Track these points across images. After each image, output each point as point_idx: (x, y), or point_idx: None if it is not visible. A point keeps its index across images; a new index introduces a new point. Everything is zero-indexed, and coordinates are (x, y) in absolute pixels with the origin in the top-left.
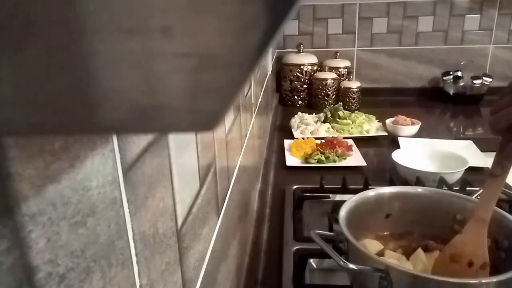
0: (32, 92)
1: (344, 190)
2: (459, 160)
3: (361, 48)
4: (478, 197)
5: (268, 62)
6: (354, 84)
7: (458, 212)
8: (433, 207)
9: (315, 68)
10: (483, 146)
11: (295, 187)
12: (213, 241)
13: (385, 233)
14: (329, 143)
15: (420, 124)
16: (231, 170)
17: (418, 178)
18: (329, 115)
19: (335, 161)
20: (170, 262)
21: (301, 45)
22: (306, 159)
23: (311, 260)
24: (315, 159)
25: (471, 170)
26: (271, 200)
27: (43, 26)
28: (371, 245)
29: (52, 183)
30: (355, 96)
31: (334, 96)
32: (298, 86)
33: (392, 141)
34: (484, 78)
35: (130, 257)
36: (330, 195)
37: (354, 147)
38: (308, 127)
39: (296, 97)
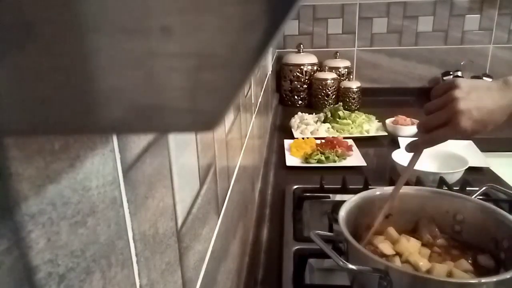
0: (32, 92)
1: (344, 190)
2: (459, 160)
3: (361, 48)
4: (479, 197)
5: (268, 62)
6: (354, 84)
7: (458, 212)
8: (433, 207)
9: (315, 68)
10: (483, 146)
11: (295, 187)
12: (213, 241)
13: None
14: (329, 143)
15: None
16: (231, 170)
17: (418, 178)
18: (329, 115)
19: (335, 161)
20: (170, 262)
21: (301, 45)
22: (306, 159)
23: (311, 260)
24: (315, 159)
25: (471, 170)
26: (271, 200)
27: (43, 26)
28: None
29: (52, 183)
30: (355, 96)
31: (334, 96)
32: (298, 86)
33: (392, 141)
34: (484, 78)
35: (130, 257)
36: (330, 195)
37: (354, 147)
38: (308, 127)
39: (296, 97)
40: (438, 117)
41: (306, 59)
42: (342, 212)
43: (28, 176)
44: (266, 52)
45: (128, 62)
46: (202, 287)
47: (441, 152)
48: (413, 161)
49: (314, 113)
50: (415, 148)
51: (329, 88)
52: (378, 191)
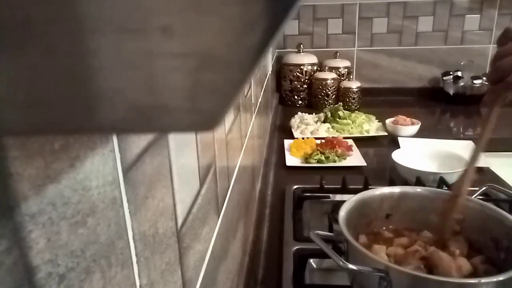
0: (32, 92)
1: (344, 190)
2: (459, 160)
3: (361, 48)
4: (479, 197)
5: (268, 62)
6: (354, 84)
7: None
8: (433, 207)
9: (315, 68)
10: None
11: (295, 187)
12: (213, 241)
13: (385, 232)
14: (329, 143)
15: (420, 124)
16: (231, 170)
17: (418, 178)
18: (329, 115)
19: (335, 161)
20: (170, 262)
21: (301, 45)
22: (306, 159)
23: (311, 260)
24: (315, 159)
25: None
26: (271, 200)
27: (43, 26)
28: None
29: (52, 183)
30: (355, 96)
31: (334, 96)
32: (298, 86)
33: (392, 141)
34: (484, 78)
35: (130, 257)
36: (330, 195)
37: (354, 147)
38: (308, 127)
39: (296, 97)
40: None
41: (306, 59)
42: (342, 212)
43: (28, 176)
44: (266, 52)
45: (128, 62)
46: (202, 287)
47: (441, 152)
48: (493, 115)
49: (314, 113)
50: (495, 96)
51: (329, 88)
52: (378, 191)
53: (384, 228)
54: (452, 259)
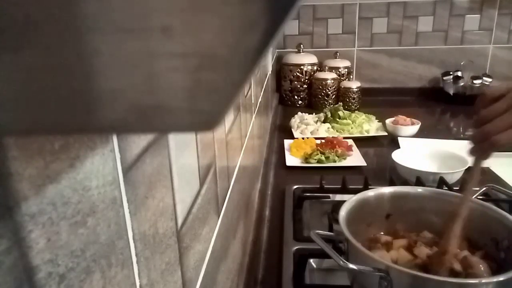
0: (32, 92)
1: (344, 190)
2: (459, 160)
3: (361, 48)
4: (479, 197)
5: (268, 62)
6: (354, 84)
7: None
8: (433, 207)
9: (315, 68)
10: None
11: (295, 187)
12: (213, 241)
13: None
14: (329, 143)
15: (420, 124)
16: (231, 170)
17: (418, 178)
18: (329, 115)
19: (335, 161)
20: (170, 262)
21: (301, 45)
22: (306, 159)
23: (311, 260)
24: (315, 159)
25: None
26: (271, 200)
27: (43, 26)
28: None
29: (52, 183)
30: (355, 96)
31: (334, 96)
32: (298, 86)
33: (392, 141)
34: (484, 78)
35: (130, 257)
36: (330, 195)
37: (354, 147)
38: (308, 127)
39: (296, 97)
40: (505, 120)
41: (306, 59)
42: (343, 212)
43: (28, 176)
44: (266, 52)
45: (128, 62)
46: (202, 287)
47: (441, 152)
48: (477, 166)
49: (314, 113)
50: (481, 153)
51: (329, 88)
52: (378, 191)
53: (382, 233)
54: (483, 261)
